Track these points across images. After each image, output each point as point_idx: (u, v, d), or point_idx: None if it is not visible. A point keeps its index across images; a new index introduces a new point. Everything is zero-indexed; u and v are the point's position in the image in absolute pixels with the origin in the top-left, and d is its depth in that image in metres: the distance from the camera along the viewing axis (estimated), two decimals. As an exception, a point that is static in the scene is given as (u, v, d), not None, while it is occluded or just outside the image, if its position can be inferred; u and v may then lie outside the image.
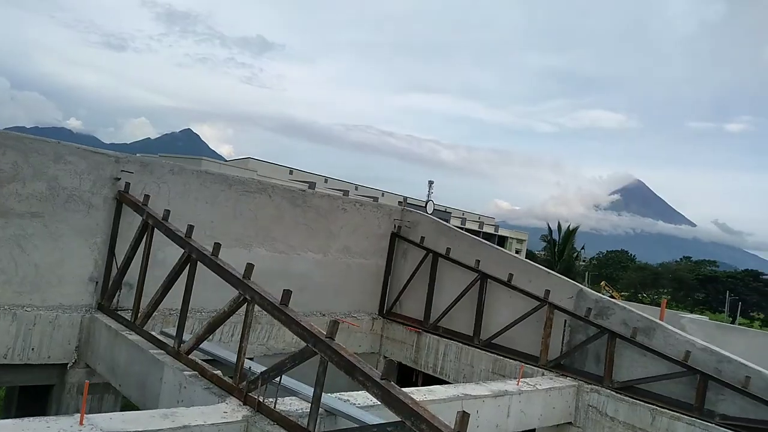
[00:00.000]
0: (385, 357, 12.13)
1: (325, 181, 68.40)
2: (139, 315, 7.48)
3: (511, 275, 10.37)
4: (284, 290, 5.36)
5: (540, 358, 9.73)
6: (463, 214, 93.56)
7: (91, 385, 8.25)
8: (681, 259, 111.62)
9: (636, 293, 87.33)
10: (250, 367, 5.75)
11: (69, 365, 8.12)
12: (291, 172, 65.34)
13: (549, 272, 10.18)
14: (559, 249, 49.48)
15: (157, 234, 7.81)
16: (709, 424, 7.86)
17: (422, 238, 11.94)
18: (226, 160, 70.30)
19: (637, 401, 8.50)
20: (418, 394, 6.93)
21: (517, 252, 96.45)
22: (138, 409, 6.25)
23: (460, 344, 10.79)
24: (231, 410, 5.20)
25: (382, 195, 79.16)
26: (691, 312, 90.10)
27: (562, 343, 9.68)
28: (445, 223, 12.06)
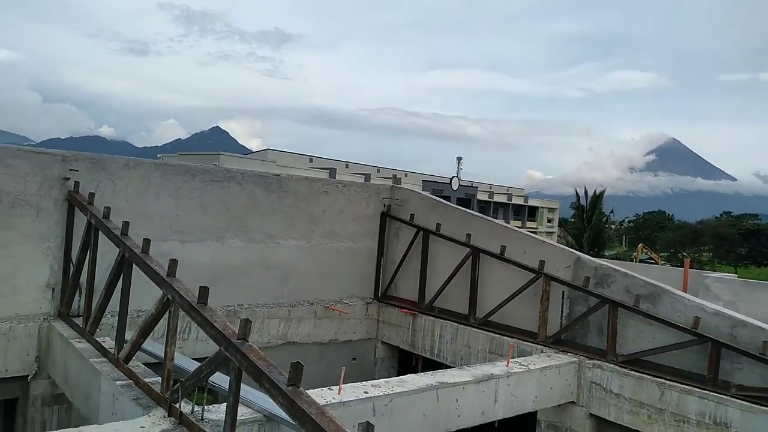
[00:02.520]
0: (383, 342, 11.53)
1: (347, 166, 67.83)
2: (88, 321, 7.00)
3: (503, 247, 9.59)
4: (201, 287, 4.75)
5: (539, 334, 8.97)
6: (490, 187, 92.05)
7: (57, 396, 7.90)
8: (721, 214, 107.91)
9: (676, 253, 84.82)
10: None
11: (29, 377, 7.73)
12: (311, 160, 65.00)
13: (544, 241, 9.38)
14: (587, 215, 47.97)
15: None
16: (723, 396, 7.02)
17: (412, 215, 11.22)
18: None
19: (644, 375, 7.69)
20: (385, 386, 6.30)
21: (549, 221, 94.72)
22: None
23: (456, 324, 10.09)
24: (150, 424, 4.65)
25: (406, 175, 78.29)
26: (736, 268, 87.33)
27: (561, 316, 8.90)
28: (435, 197, 11.32)
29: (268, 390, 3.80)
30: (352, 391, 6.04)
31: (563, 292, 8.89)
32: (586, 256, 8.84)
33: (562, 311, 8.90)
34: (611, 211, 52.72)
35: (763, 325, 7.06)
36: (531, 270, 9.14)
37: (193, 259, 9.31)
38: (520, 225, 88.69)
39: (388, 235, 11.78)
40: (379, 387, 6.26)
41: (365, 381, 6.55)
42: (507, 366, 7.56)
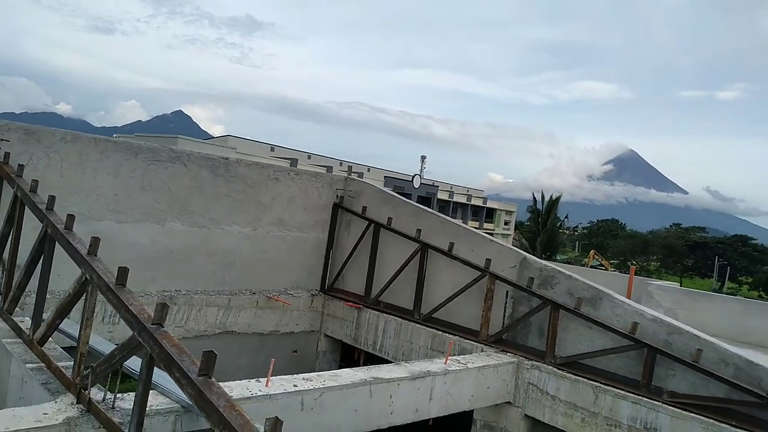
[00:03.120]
0: (326, 335, 11.34)
1: (309, 157, 67.08)
2: (7, 299, 6.57)
3: (452, 244, 9.51)
4: (120, 268, 4.45)
5: (480, 333, 8.93)
6: (451, 187, 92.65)
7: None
8: (671, 226, 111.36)
9: (626, 261, 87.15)
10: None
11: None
12: (272, 149, 63.99)
13: (492, 240, 9.33)
14: (542, 219, 48.74)
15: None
16: (655, 402, 7.10)
17: (364, 208, 11.04)
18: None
19: (580, 378, 7.72)
20: (317, 380, 6.11)
21: (506, 224, 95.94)
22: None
23: (400, 319, 9.98)
24: (55, 410, 4.34)
25: (368, 170, 78.04)
26: (681, 278, 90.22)
27: (504, 316, 8.88)
28: (388, 191, 11.17)
29: (177, 379, 3.56)
30: (281, 384, 5.83)
31: (507, 291, 8.87)
32: (532, 257, 8.82)
33: (505, 311, 8.88)
34: (566, 217, 53.61)
35: (698, 333, 7.16)
36: (477, 268, 9.09)
37: (129, 241, 8.95)
38: (477, 226, 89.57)
39: (339, 227, 11.58)
40: (311, 381, 6.07)
41: (302, 374, 6.35)
42: (445, 364, 7.47)
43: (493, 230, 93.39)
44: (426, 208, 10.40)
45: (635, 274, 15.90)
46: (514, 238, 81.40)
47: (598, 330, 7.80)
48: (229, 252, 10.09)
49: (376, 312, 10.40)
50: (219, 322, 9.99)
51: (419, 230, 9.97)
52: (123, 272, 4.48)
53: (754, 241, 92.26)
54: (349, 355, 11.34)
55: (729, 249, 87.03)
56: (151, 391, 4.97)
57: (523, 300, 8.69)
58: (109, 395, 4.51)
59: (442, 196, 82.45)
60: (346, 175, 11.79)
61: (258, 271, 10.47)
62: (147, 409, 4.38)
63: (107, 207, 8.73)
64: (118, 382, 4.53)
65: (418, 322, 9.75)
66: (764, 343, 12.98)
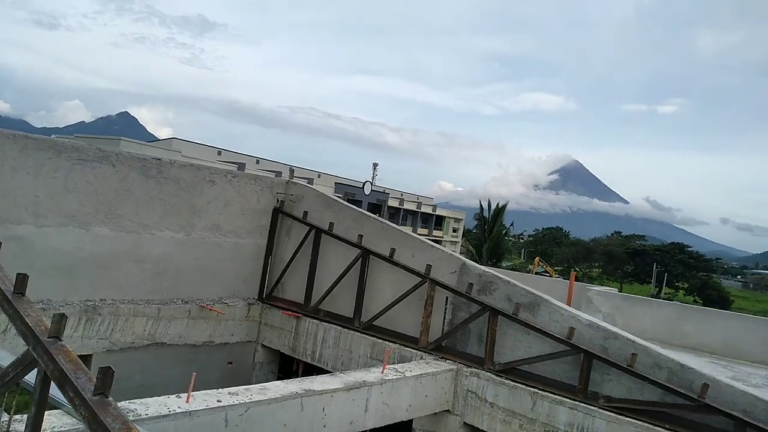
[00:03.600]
0: (264, 345, 10.95)
1: (257, 162, 66.06)
2: None
3: (393, 250, 9.35)
4: (18, 275, 4.04)
5: (420, 340, 8.78)
6: (401, 194, 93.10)
7: None
8: (612, 234, 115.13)
9: (569, 267, 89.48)
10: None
11: None
12: (219, 153, 62.69)
13: (433, 245, 9.20)
14: (489, 226, 49.41)
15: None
16: (591, 407, 7.09)
17: (305, 212, 10.75)
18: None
19: (518, 385, 7.66)
20: (244, 394, 5.79)
21: (454, 231, 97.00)
22: None
23: (340, 328, 9.73)
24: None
25: (319, 176, 77.49)
26: (621, 284, 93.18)
27: (444, 322, 8.75)
28: (331, 196, 10.90)
29: (71, 399, 3.20)
30: (204, 399, 5.49)
31: (447, 297, 8.75)
32: (471, 263, 8.74)
33: (444, 317, 8.76)
34: (511, 224, 54.62)
35: (633, 338, 7.20)
36: (417, 274, 8.95)
37: (50, 246, 8.39)
38: (427, 233, 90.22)
39: (279, 233, 11.23)
40: (237, 395, 5.74)
41: (234, 387, 6.01)
42: (382, 373, 7.26)
43: (442, 237, 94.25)
44: (368, 213, 10.20)
45: (576, 280, 16.15)
46: (462, 245, 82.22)
47: (536, 336, 7.77)
48: (160, 259, 9.61)
49: (316, 321, 10.11)
50: (148, 334, 9.49)
51: (361, 236, 9.77)
52: (22, 279, 4.06)
53: (689, 249, 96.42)
54: (287, 366, 11.00)
55: (666, 256, 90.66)
56: (56, 411, 4.58)
57: (462, 306, 8.59)
58: (5, 417, 4.09)
59: (392, 203, 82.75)
60: (287, 178, 11.45)
61: (191, 279, 10.01)
62: None
63: (26, 209, 8.15)
64: (14, 404, 4.12)
65: (358, 331, 9.52)
66: (698, 346, 13.37)
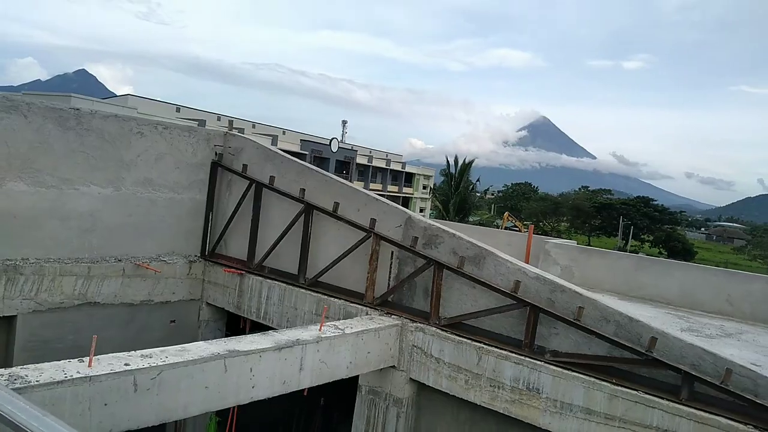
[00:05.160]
0: (208, 304, 10.48)
1: (218, 119, 64.22)
2: None
3: (337, 204, 8.85)
4: None
5: (366, 296, 8.39)
6: (370, 152, 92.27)
7: None
8: (580, 189, 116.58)
9: (538, 222, 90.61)
10: None
11: None
12: (178, 110, 60.68)
13: (378, 199, 8.72)
14: (455, 182, 49.17)
15: None
16: (537, 362, 6.82)
17: (245, 166, 10.13)
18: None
19: (464, 339, 7.36)
20: (158, 356, 5.32)
21: (424, 188, 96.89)
22: None
23: (285, 285, 9.28)
24: None
25: (284, 133, 76.09)
26: (589, 237, 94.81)
27: (390, 277, 8.37)
28: (271, 148, 10.27)
29: None
30: (109, 363, 5.01)
31: (393, 252, 8.34)
32: (417, 216, 8.31)
33: (390, 272, 8.37)
34: (477, 180, 54.45)
35: (581, 291, 6.91)
36: (362, 228, 8.50)
37: (-43, 204, 7.68)
38: (397, 191, 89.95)
39: (219, 188, 10.61)
40: (150, 357, 5.27)
41: (150, 349, 5.54)
42: (320, 330, 6.85)
43: (413, 194, 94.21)
44: (311, 166, 9.64)
45: (545, 234, 15.97)
46: (432, 202, 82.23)
47: (482, 290, 7.44)
48: (86, 215, 8.95)
49: (260, 278, 9.64)
50: (78, 293, 8.92)
51: (303, 190, 9.23)
52: None
53: (655, 202, 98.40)
54: (235, 324, 10.57)
55: (632, 210, 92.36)
56: None
57: (408, 260, 8.20)
58: None
59: (361, 160, 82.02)
60: (225, 130, 10.76)
61: (124, 236, 9.39)
62: None
63: (-75, 164, 7.40)
64: None
65: (303, 287, 9.09)
66: (656, 297, 13.33)
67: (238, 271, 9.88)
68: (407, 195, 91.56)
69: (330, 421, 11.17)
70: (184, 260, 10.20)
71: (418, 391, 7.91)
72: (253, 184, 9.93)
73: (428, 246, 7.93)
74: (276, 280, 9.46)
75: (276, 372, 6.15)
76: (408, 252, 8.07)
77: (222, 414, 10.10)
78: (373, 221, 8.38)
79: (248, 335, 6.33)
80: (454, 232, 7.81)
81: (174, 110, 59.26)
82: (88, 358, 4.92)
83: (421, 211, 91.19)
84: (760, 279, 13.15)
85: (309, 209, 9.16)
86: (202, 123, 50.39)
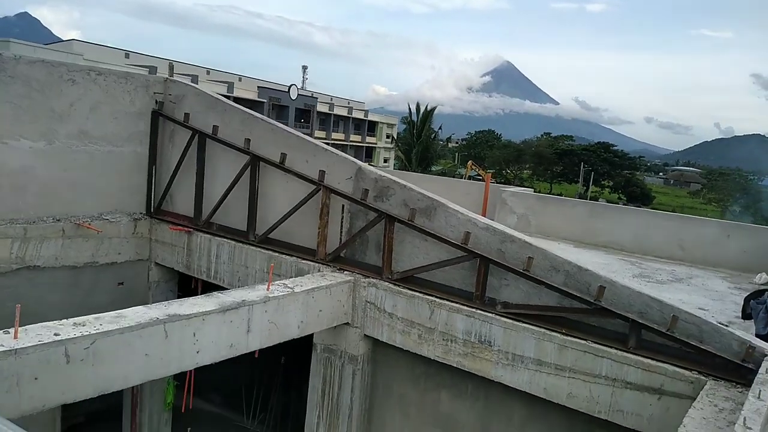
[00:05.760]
0: (157, 264, 10.13)
1: (171, 66, 61.54)
2: None
3: (284, 155, 8.48)
4: None
5: (318, 252, 8.17)
6: (331, 99, 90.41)
7: None
8: (542, 135, 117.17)
9: (501, 170, 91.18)
10: None
11: None
12: (127, 56, 57.92)
13: (327, 149, 8.38)
14: (417, 131, 48.70)
15: None
16: (488, 314, 6.77)
17: (186, 114, 9.59)
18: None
19: (416, 294, 7.25)
20: (92, 324, 5.03)
21: (388, 137, 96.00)
22: None
23: (234, 242, 8.98)
24: None
25: (240, 80, 73.72)
26: (551, 184, 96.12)
27: (341, 232, 8.14)
28: (214, 94, 9.73)
29: None
30: (37, 334, 4.70)
31: (344, 205, 8.09)
32: (368, 167, 8.02)
33: (342, 226, 8.13)
34: (440, 127, 54.09)
35: (530, 240, 6.81)
36: (311, 181, 8.19)
37: None
38: (360, 140, 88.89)
39: (161, 139, 10.07)
40: (83, 326, 4.98)
41: (73, 318, 5.22)
42: (267, 290, 6.63)
43: (376, 144, 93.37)
44: (256, 114, 9.17)
45: (507, 182, 15.92)
46: (395, 152, 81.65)
47: (434, 242, 7.28)
48: (18, 172, 8.41)
49: (208, 235, 9.30)
50: (15, 257, 8.46)
51: (248, 140, 8.81)
52: None
53: (615, 148, 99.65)
54: (187, 284, 10.27)
55: (593, 156, 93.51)
56: None
57: (360, 214, 7.96)
58: None
59: (322, 108, 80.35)
60: (165, 76, 10.14)
61: (61, 194, 8.89)
62: None
63: None
64: None
65: (253, 245, 8.80)
66: (610, 244, 13.51)
67: (185, 229, 9.51)
68: (371, 145, 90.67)
69: (292, 379, 11.13)
70: (128, 218, 9.76)
71: (373, 347, 7.83)
72: (196, 135, 9.43)
73: (379, 198, 7.70)
74: (225, 237, 9.14)
75: (222, 335, 5.94)
76: (359, 205, 7.82)
77: (180, 377, 9.93)
78: (322, 173, 8.07)
79: (190, 298, 6.06)
80: (405, 183, 7.58)
81: (123, 56, 56.50)
82: (13, 329, 4.59)
83: (385, 161, 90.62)
84: (711, 223, 13.43)
85: (255, 161, 8.77)
86: (153, 70, 48.25)
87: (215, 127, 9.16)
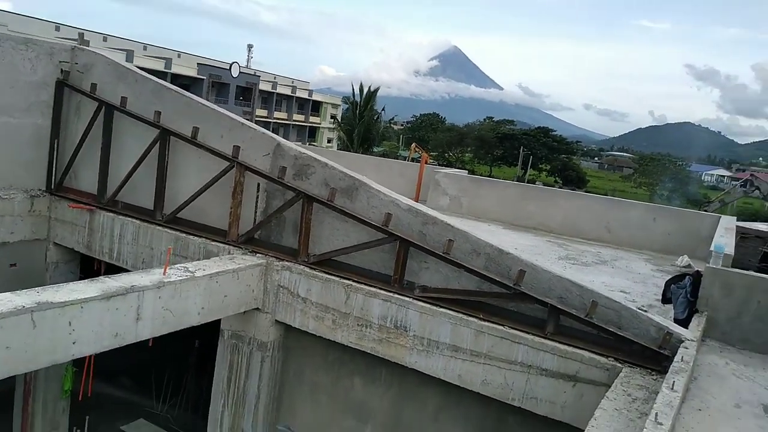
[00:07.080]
0: (56, 244, 9.33)
1: (104, 39, 58.51)
2: None
3: (196, 129, 7.86)
4: None
5: (229, 233, 7.63)
6: (274, 78, 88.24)
7: None
8: (485, 119, 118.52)
9: (443, 153, 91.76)
10: None
11: None
12: (58, 29, 54.53)
13: (244, 123, 7.82)
14: (360, 111, 48.07)
15: None
16: (405, 299, 6.46)
17: (93, 85, 8.80)
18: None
19: (332, 277, 6.85)
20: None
21: (332, 117, 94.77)
22: None
23: (139, 222, 8.33)
24: None
25: (179, 56, 70.85)
26: (491, 167, 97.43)
27: (256, 212, 7.63)
28: (125, 64, 8.96)
29: None
30: None
31: (259, 184, 7.57)
32: (288, 143, 7.52)
33: (257, 206, 7.62)
34: (383, 109, 53.56)
35: (452, 223, 6.51)
36: (225, 157, 7.62)
37: None
38: (303, 119, 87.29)
39: (66, 111, 9.23)
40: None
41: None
42: (164, 274, 6.06)
43: (320, 124, 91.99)
44: (169, 84, 8.49)
45: (449, 165, 15.66)
46: (337, 132, 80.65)
47: (354, 224, 6.90)
48: None
49: (112, 214, 8.60)
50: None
51: (159, 113, 8.13)
52: None
53: (554, 133, 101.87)
54: (90, 266, 9.51)
55: (533, 140, 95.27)
56: None
57: (277, 194, 7.47)
58: None
59: (264, 87, 78.24)
60: (73, 44, 9.27)
61: (-57, 167, 7.98)
62: None
63: None
64: None
65: (159, 224, 8.17)
66: (540, 226, 13.46)
67: (88, 207, 8.76)
68: (314, 125, 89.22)
69: (206, 363, 10.57)
70: (24, 195, 8.91)
71: (285, 333, 7.41)
72: (104, 107, 8.67)
73: (298, 177, 7.22)
74: (130, 216, 8.46)
75: (104, 324, 5.36)
76: (276, 184, 7.33)
77: (79, 363, 9.22)
78: (236, 149, 7.51)
79: (69, 283, 5.47)
80: (326, 161, 7.13)
81: (53, 29, 53.14)
82: None
83: (329, 142, 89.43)
84: (638, 206, 13.58)
85: (165, 135, 8.11)
86: (85, 43, 45.66)
87: (124, 99, 8.41)
